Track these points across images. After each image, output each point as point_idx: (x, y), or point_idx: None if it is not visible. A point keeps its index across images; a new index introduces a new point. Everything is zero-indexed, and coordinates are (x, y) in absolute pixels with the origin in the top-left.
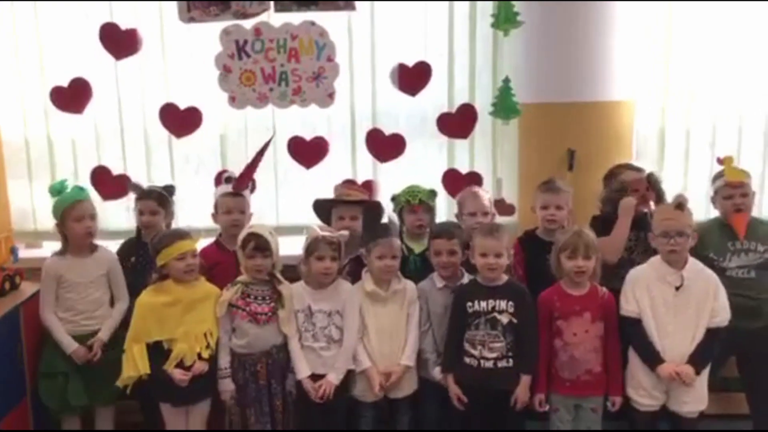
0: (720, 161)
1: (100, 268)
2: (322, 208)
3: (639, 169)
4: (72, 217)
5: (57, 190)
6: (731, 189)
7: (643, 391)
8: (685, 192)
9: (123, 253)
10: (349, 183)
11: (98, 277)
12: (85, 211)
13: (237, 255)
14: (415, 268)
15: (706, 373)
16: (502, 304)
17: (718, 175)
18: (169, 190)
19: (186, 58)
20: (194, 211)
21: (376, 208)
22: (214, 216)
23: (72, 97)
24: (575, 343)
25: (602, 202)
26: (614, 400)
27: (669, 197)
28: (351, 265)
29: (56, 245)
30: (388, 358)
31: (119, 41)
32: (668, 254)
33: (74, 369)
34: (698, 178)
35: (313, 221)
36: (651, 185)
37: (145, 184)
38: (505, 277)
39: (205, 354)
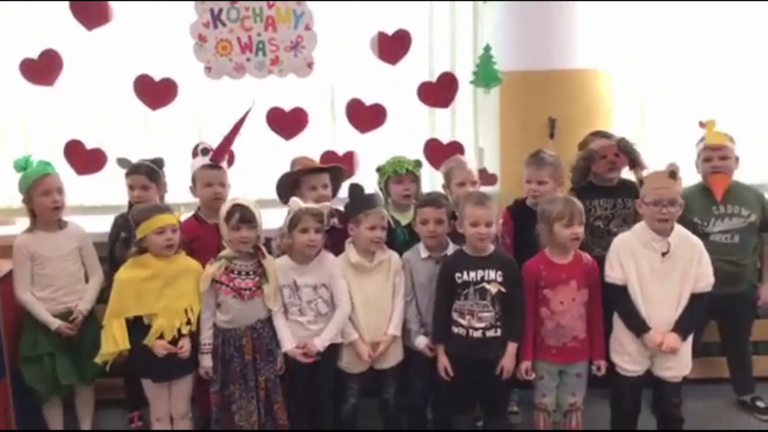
0: (702, 125)
1: (72, 242)
2: (285, 186)
3: (609, 136)
4: (39, 192)
5: (22, 165)
6: (710, 151)
7: (628, 357)
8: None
9: (115, 227)
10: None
11: (71, 250)
12: (51, 185)
13: (217, 228)
14: (404, 240)
15: (690, 338)
16: (491, 273)
17: (701, 139)
18: (158, 162)
19: (160, 27)
20: (174, 185)
21: (344, 174)
22: (192, 189)
23: (43, 69)
24: (562, 311)
25: (572, 171)
26: (599, 364)
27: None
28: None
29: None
30: (374, 329)
31: (90, 11)
32: (659, 223)
33: (60, 348)
34: (680, 144)
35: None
36: (622, 151)
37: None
38: (492, 247)
39: (185, 330)
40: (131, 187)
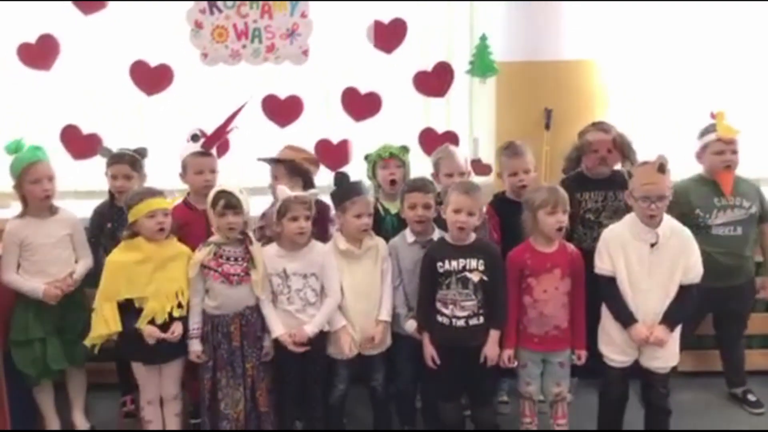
0: (713, 116)
1: (64, 229)
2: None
3: (607, 130)
4: (29, 179)
5: (13, 149)
6: (723, 145)
7: (616, 348)
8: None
9: (98, 218)
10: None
11: (63, 237)
12: (41, 173)
13: (206, 214)
14: (392, 228)
15: (678, 330)
16: (473, 262)
17: (709, 130)
18: (141, 152)
19: (156, 13)
20: (168, 171)
21: (305, 173)
22: (182, 176)
23: (40, 53)
24: (545, 300)
25: (565, 160)
26: (579, 353)
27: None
28: None
29: None
30: (364, 316)
31: None
32: (647, 218)
33: (50, 333)
34: (676, 135)
35: None
36: (617, 146)
37: (114, 146)
38: (473, 236)
39: (177, 313)
40: (114, 177)
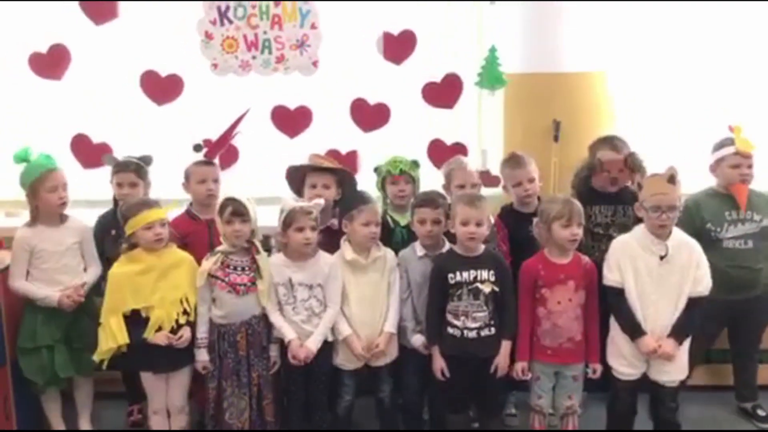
0: (732, 129)
1: (73, 237)
2: (295, 176)
3: (618, 148)
4: (45, 188)
5: (22, 157)
6: (740, 158)
7: (624, 361)
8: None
9: (102, 225)
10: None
11: (72, 245)
12: (58, 181)
13: (209, 224)
14: (402, 240)
15: (687, 343)
16: (484, 273)
17: (725, 143)
18: (146, 160)
19: (167, 23)
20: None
21: (350, 177)
22: (186, 185)
23: (51, 63)
24: (558, 312)
25: (574, 177)
26: (594, 367)
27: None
28: (321, 235)
29: None
30: (369, 326)
31: (98, 6)
32: (658, 228)
33: (58, 340)
34: (684, 148)
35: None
36: (628, 166)
37: (120, 155)
38: (482, 247)
39: (183, 320)
40: (120, 185)
